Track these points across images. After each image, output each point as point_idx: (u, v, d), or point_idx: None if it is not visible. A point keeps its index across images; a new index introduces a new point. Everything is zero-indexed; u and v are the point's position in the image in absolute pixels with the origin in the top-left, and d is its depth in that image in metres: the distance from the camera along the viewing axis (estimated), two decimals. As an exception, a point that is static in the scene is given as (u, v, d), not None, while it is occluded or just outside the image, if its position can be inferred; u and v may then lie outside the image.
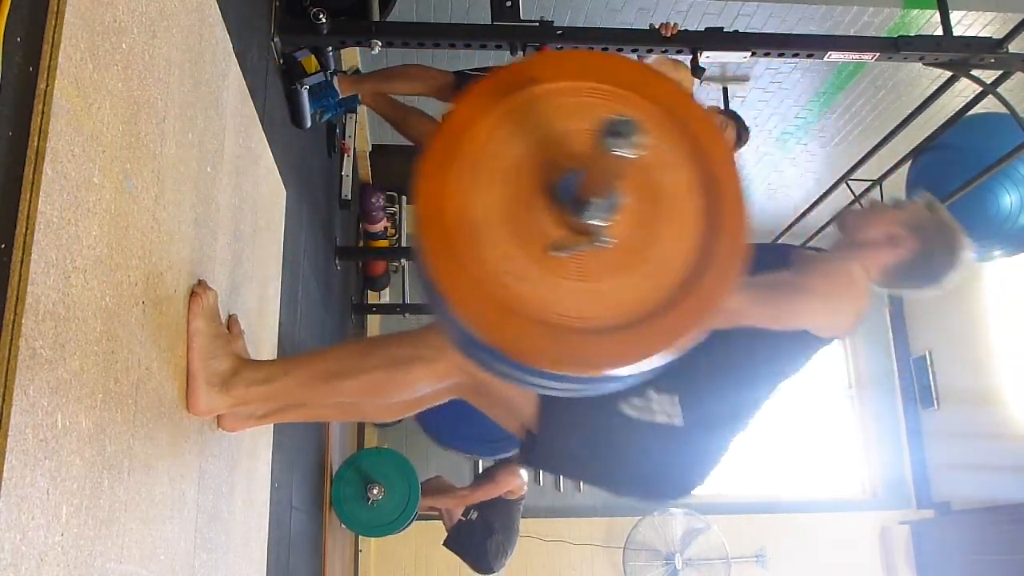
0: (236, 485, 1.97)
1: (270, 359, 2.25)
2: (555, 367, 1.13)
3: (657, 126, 1.20)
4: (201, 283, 1.66)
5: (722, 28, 2.95)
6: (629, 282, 1.15)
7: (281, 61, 2.70)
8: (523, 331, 1.10)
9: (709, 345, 1.70)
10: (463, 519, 4.84)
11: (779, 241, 4.61)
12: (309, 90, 2.88)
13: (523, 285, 1.12)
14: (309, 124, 2.91)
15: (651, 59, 3.41)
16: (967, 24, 4.23)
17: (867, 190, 4.01)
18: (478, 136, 1.18)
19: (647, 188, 1.18)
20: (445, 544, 4.91)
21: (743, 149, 3.68)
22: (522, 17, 2.74)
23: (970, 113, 3.47)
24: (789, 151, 5.68)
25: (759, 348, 1.74)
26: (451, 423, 2.79)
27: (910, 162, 3.80)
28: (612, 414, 1.66)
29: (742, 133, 3.64)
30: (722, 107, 3.69)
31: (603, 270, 1.14)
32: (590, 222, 1.11)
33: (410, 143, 3.70)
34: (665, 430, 1.68)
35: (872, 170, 3.94)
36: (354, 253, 4.94)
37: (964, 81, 2.98)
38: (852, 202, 4.00)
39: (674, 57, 3.35)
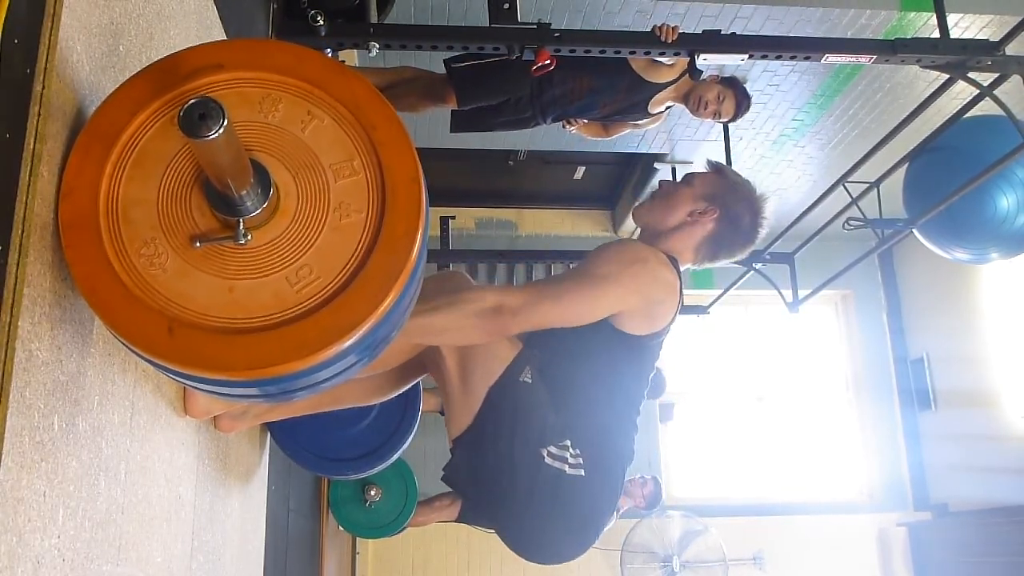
0: (233, 487, 1.97)
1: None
2: (170, 362, 1.06)
3: (342, 128, 1.15)
4: None
5: (719, 30, 2.95)
6: (274, 285, 1.08)
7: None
8: (139, 317, 1.04)
9: (589, 393, 1.70)
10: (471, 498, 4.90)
11: (775, 244, 4.61)
12: None
13: (156, 273, 1.07)
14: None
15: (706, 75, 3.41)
16: (964, 27, 4.23)
17: (864, 192, 4.02)
18: (140, 125, 1.11)
19: (319, 191, 1.13)
20: (459, 520, 4.95)
21: (749, 154, 3.68)
22: (520, 19, 2.73)
23: (967, 116, 3.47)
24: (786, 153, 5.68)
25: (591, 369, 1.72)
26: (299, 439, 2.70)
27: (907, 164, 3.80)
28: (533, 456, 1.64)
29: (742, 101, 3.63)
30: (721, 76, 3.68)
31: (253, 270, 1.08)
32: (232, 218, 1.07)
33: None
34: (575, 482, 1.65)
35: (869, 172, 3.94)
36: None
37: (961, 84, 2.99)
38: (848, 205, 4.01)
39: (672, 59, 3.36)
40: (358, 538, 5.52)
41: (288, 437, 2.58)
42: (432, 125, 4.75)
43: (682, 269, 1.83)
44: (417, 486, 4.39)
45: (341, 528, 4.39)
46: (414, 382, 1.94)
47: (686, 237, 1.83)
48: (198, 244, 1.08)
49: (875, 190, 4.01)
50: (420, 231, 1.12)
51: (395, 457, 2.73)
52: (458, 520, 5.00)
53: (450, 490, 5.05)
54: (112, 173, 1.09)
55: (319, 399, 2.01)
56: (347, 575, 5.29)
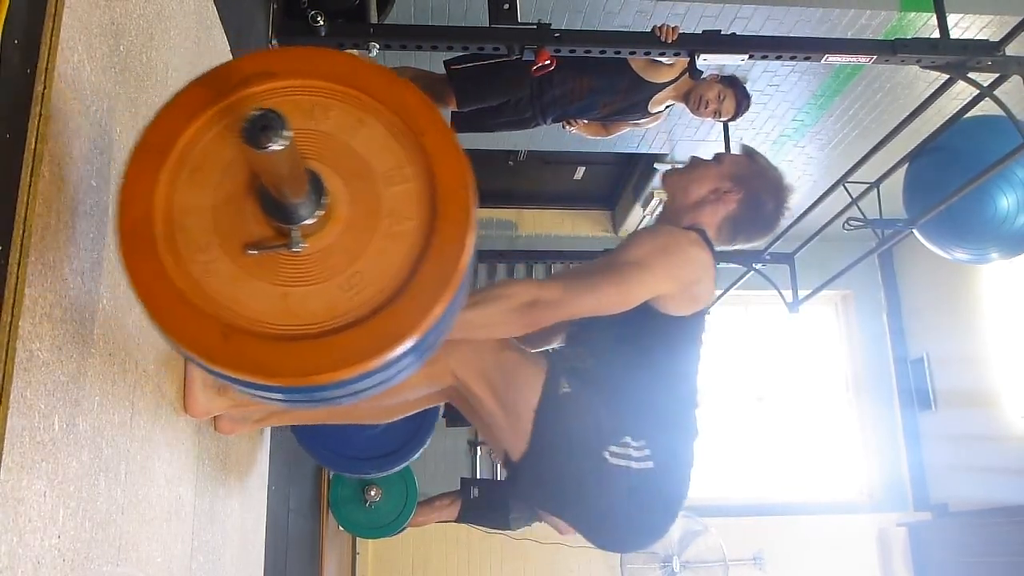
0: (233, 487, 1.97)
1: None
2: (226, 368, 1.06)
3: (392, 135, 1.15)
4: None
5: (719, 30, 2.95)
6: (328, 293, 1.08)
7: (279, 63, 2.69)
8: (194, 324, 1.04)
9: (632, 386, 1.70)
10: (470, 498, 4.91)
11: (775, 244, 4.61)
12: None
13: (211, 279, 1.07)
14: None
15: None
16: (964, 27, 4.23)
17: (865, 192, 4.02)
18: (194, 133, 1.12)
19: (370, 199, 1.13)
20: (459, 520, 4.98)
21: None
22: (520, 20, 2.74)
23: (967, 116, 3.47)
24: (786, 154, 5.68)
25: (655, 361, 1.73)
26: (319, 438, 2.72)
27: (907, 165, 3.81)
28: (598, 460, 1.65)
29: (742, 100, 3.64)
30: (722, 75, 3.68)
31: (306, 278, 1.09)
32: (287, 225, 1.07)
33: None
34: (643, 475, 1.66)
35: (869, 173, 3.94)
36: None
37: (961, 84, 2.99)
38: (848, 205, 4.01)
39: (672, 60, 3.36)
40: (358, 538, 5.52)
41: (309, 434, 2.60)
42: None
43: None
44: (417, 486, 4.39)
45: (341, 528, 4.39)
46: (426, 407, 1.93)
47: (708, 214, 1.84)
48: (253, 251, 1.08)
49: (875, 190, 4.01)
50: (470, 238, 1.12)
51: (415, 456, 2.75)
52: (458, 520, 5.01)
53: (450, 490, 5.09)
54: (167, 181, 1.09)
55: (329, 412, 2.02)
56: (347, 575, 5.29)
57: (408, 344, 1.07)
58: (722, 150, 1.93)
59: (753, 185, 1.84)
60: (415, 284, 1.08)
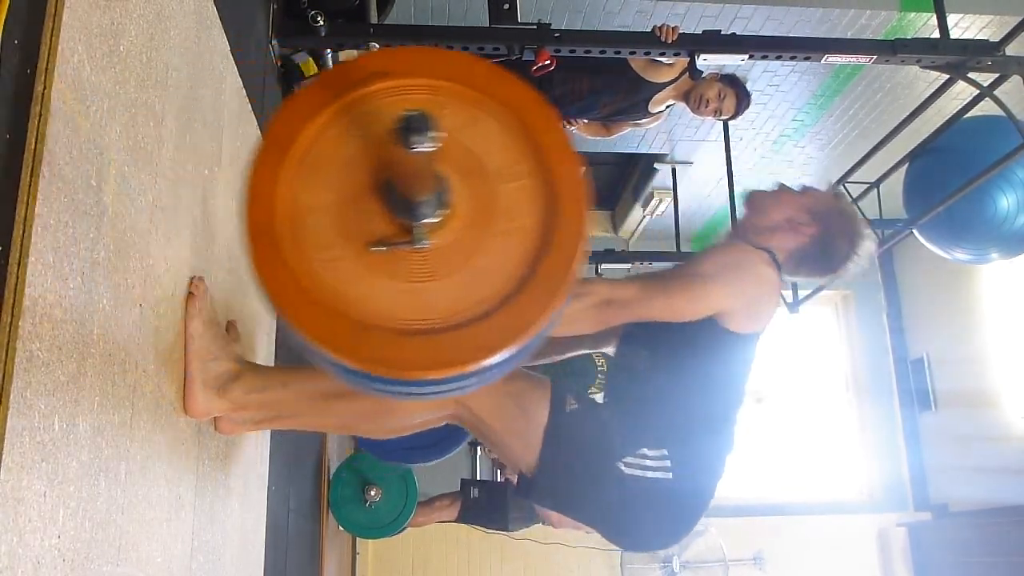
0: (233, 487, 1.97)
1: (269, 366, 2.25)
2: (358, 363, 1.09)
3: (506, 132, 1.17)
4: (196, 281, 1.65)
5: (719, 30, 2.95)
6: (451, 288, 1.11)
7: (279, 63, 2.70)
8: (333, 327, 1.07)
9: (675, 394, 1.74)
10: (470, 498, 4.91)
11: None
12: None
13: (342, 280, 1.09)
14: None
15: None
16: (964, 27, 4.23)
17: (864, 192, 4.02)
18: (313, 132, 1.14)
19: (486, 195, 1.15)
20: (459, 521, 5.00)
21: (749, 154, 3.68)
22: (520, 20, 2.74)
23: (967, 116, 3.47)
24: (786, 154, 5.68)
25: (691, 365, 1.76)
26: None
27: (907, 165, 3.81)
28: (611, 471, 1.68)
29: (743, 99, 3.64)
30: (721, 74, 3.68)
31: (428, 274, 1.12)
32: (412, 222, 1.09)
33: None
34: (660, 485, 1.69)
35: (869, 173, 3.95)
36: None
37: (961, 84, 2.99)
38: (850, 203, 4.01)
39: (672, 59, 3.36)
40: (358, 538, 5.52)
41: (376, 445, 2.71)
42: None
43: None
44: (417, 486, 4.39)
45: (341, 528, 4.39)
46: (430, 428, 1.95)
47: (780, 239, 1.86)
48: (378, 248, 1.10)
49: (875, 190, 4.01)
50: (585, 234, 1.14)
51: (458, 448, 2.87)
52: (458, 520, 5.01)
53: (450, 490, 5.09)
54: (290, 179, 1.11)
55: (341, 425, 2.03)
56: (347, 575, 5.29)
57: (530, 337, 1.10)
58: (811, 184, 1.95)
59: (829, 224, 1.86)
60: (535, 280, 1.11)
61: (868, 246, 1.89)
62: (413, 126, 0.97)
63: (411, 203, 1.08)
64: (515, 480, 1.83)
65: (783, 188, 1.96)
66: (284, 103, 1.16)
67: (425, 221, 1.09)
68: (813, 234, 1.85)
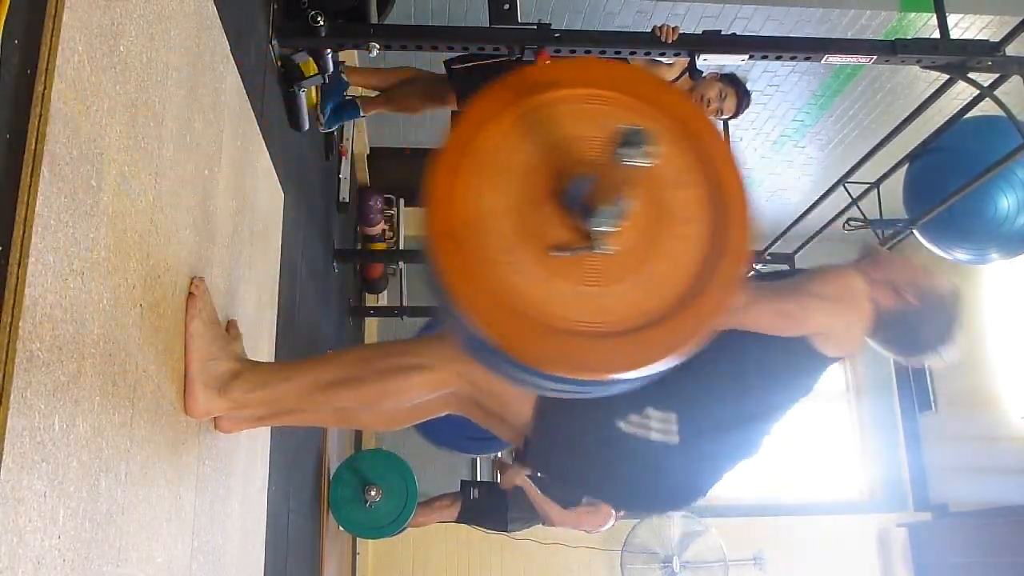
0: (233, 488, 1.97)
1: (269, 362, 2.25)
2: (542, 365, 1.14)
3: (673, 142, 1.21)
4: (196, 281, 1.65)
5: (719, 31, 2.95)
6: (627, 292, 1.16)
7: (279, 64, 2.70)
8: (519, 329, 1.12)
9: (706, 360, 1.72)
10: (470, 499, 4.93)
11: (776, 244, 4.61)
12: (322, 87, 2.90)
13: (524, 283, 1.14)
14: (307, 127, 2.92)
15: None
16: (964, 27, 4.23)
17: (865, 193, 4.02)
18: (490, 139, 1.19)
19: (657, 202, 1.20)
20: (459, 521, 5.02)
21: (749, 154, 3.68)
22: (520, 20, 2.74)
23: (967, 116, 3.47)
24: (786, 154, 5.68)
25: (764, 363, 1.75)
26: (439, 421, 2.88)
27: (907, 165, 3.81)
28: (608, 429, 1.66)
29: (743, 99, 3.64)
30: (721, 73, 3.68)
31: (604, 277, 1.16)
32: (595, 228, 1.13)
33: (406, 146, 3.76)
34: (659, 447, 1.67)
35: (869, 173, 3.95)
36: (352, 256, 4.94)
37: (961, 84, 2.99)
38: (849, 205, 4.01)
39: (672, 60, 3.35)
40: (358, 538, 5.52)
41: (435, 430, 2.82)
42: (432, 125, 4.75)
43: None
44: (417, 486, 4.39)
45: (341, 528, 4.38)
46: (428, 418, 1.95)
47: (879, 295, 1.81)
48: (560, 253, 1.15)
49: (875, 190, 4.01)
50: (753, 240, 1.20)
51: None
52: (458, 520, 5.01)
53: (450, 490, 5.09)
54: (470, 185, 1.16)
55: (343, 417, 2.03)
56: (347, 575, 5.28)
57: (703, 337, 1.16)
58: (931, 273, 1.92)
59: (932, 311, 1.83)
60: (711, 283, 1.16)
61: (953, 353, 1.86)
62: (630, 140, 1.02)
63: (596, 210, 1.12)
64: (514, 453, 1.84)
65: (914, 263, 1.93)
66: (464, 112, 1.22)
67: (601, 228, 1.13)
68: (911, 308, 1.82)
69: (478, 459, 6.12)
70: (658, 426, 1.67)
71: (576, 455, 1.72)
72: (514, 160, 1.19)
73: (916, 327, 1.85)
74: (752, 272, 1.26)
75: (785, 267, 4.66)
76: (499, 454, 5.01)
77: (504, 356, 1.17)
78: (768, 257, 4.68)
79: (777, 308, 1.70)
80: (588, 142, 1.19)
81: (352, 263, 5.07)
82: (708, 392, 1.72)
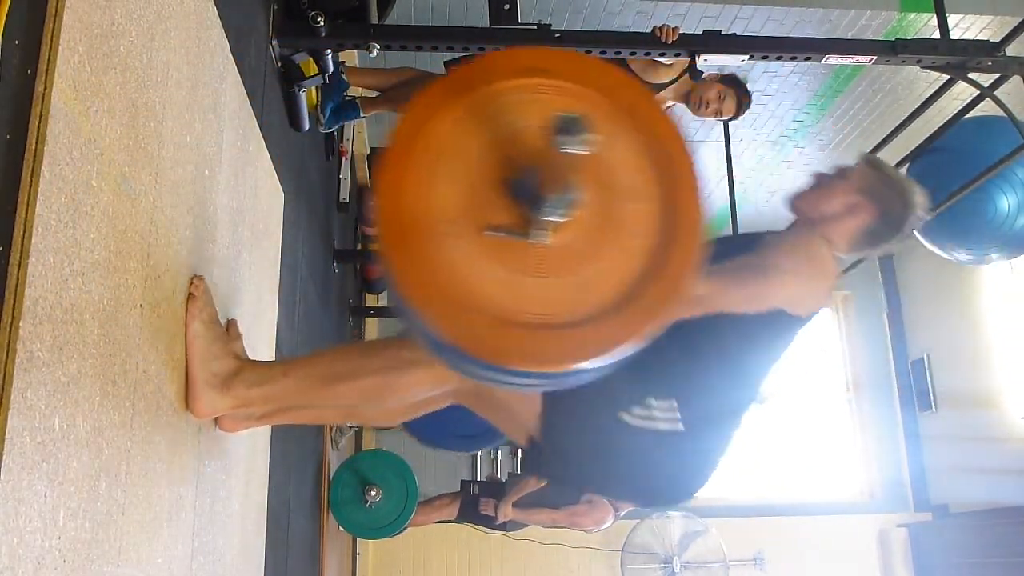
0: (234, 488, 1.97)
1: (269, 360, 2.25)
2: (496, 358, 1.14)
3: (621, 127, 1.20)
4: (196, 280, 1.65)
5: (720, 31, 2.95)
6: (555, 287, 1.15)
7: (279, 64, 2.70)
8: (467, 320, 1.12)
9: (697, 344, 1.73)
10: (470, 498, 4.95)
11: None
12: (322, 87, 2.90)
13: (474, 276, 1.14)
14: (307, 127, 2.92)
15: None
16: (964, 27, 4.23)
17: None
18: (437, 132, 1.18)
19: (610, 208, 1.19)
20: (459, 520, 5.04)
21: (749, 155, 3.68)
22: (520, 20, 2.74)
23: (967, 116, 3.47)
24: (787, 154, 5.69)
25: (744, 337, 1.76)
26: (427, 421, 2.87)
27: (908, 165, 3.81)
28: (614, 423, 1.67)
29: (743, 100, 3.64)
30: (721, 74, 3.68)
31: (555, 267, 1.16)
32: (544, 218, 1.12)
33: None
34: (668, 436, 1.68)
35: (870, 173, 3.94)
36: (352, 256, 4.94)
37: (961, 84, 2.99)
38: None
39: (672, 60, 3.36)
40: (358, 538, 5.52)
41: (424, 429, 2.80)
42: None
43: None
44: (417, 486, 4.39)
45: (341, 528, 4.38)
46: (428, 411, 1.95)
47: (841, 227, 1.87)
48: (495, 233, 1.15)
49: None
50: (695, 269, 1.18)
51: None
52: (458, 520, 5.01)
53: (450, 490, 5.09)
54: (419, 178, 1.16)
55: (345, 413, 2.03)
56: (347, 575, 5.28)
57: (625, 350, 1.15)
58: (846, 164, 1.95)
59: (881, 195, 1.87)
60: (639, 299, 1.15)
61: (918, 197, 1.90)
62: (565, 128, 1.02)
63: (540, 198, 1.11)
64: (520, 457, 1.84)
65: (822, 177, 1.95)
66: (417, 96, 1.20)
67: (549, 218, 1.12)
68: (872, 211, 1.86)
69: (478, 459, 6.12)
70: (662, 415, 1.68)
71: (586, 453, 1.72)
72: (463, 153, 1.18)
73: (888, 217, 1.88)
74: (713, 240, 1.24)
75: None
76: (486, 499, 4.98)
77: (456, 350, 1.16)
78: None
79: (743, 293, 1.72)
80: (536, 132, 1.17)
81: (352, 263, 5.07)
82: (699, 373, 1.74)
